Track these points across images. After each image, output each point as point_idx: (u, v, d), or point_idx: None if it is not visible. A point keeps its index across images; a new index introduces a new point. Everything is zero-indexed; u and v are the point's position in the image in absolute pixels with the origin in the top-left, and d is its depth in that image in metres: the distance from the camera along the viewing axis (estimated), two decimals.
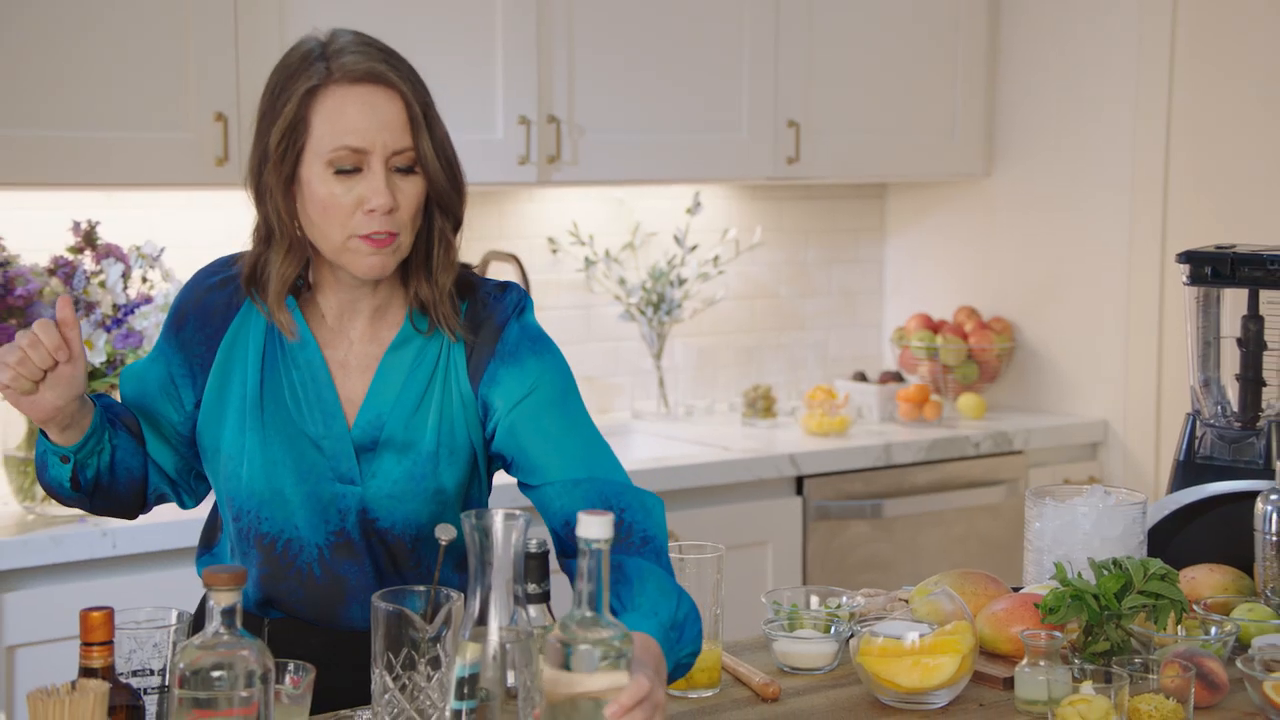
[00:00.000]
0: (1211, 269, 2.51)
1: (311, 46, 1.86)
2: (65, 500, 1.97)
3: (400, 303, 1.94)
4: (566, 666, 1.53)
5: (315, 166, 1.82)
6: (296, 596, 1.96)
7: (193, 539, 2.91)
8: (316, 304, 1.94)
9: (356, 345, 1.95)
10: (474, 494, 2.00)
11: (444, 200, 1.89)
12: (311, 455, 1.92)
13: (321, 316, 1.94)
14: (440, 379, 1.94)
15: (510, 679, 1.62)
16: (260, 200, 1.88)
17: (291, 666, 1.64)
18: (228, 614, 1.52)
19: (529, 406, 1.92)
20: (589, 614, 1.54)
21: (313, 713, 1.77)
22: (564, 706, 1.54)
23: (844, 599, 2.16)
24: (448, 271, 1.92)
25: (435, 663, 1.63)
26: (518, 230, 3.97)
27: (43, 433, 1.88)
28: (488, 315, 1.94)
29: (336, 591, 1.95)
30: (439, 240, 1.90)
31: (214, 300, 1.94)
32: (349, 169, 1.82)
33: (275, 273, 1.88)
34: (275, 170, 1.84)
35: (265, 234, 1.89)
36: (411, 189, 1.85)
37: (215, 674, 1.50)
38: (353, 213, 1.82)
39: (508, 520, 1.63)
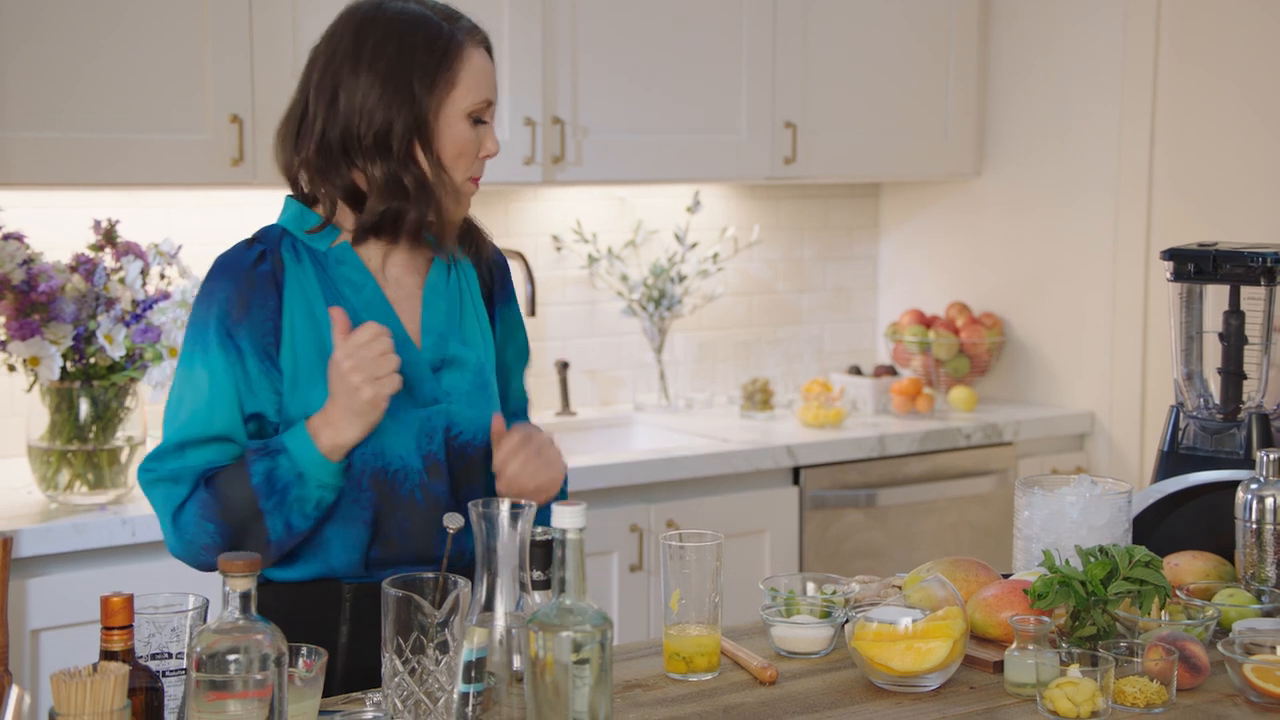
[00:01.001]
0: (1194, 266, 2.51)
1: (417, 13, 2.01)
2: (268, 556, 1.95)
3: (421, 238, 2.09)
4: (545, 654, 1.56)
5: (456, 114, 2.01)
6: (404, 529, 2.03)
7: None
8: (359, 247, 2.06)
9: (399, 279, 2.09)
10: None
11: None
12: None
13: (368, 258, 2.07)
14: (468, 295, 2.14)
15: (516, 663, 1.65)
16: (409, 155, 1.99)
17: (304, 650, 1.67)
18: (244, 599, 1.55)
19: (515, 339, 2.23)
20: (566, 601, 1.58)
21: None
22: (545, 688, 1.57)
23: (839, 585, 2.16)
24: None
25: (444, 647, 1.65)
26: (523, 228, 3.98)
27: (308, 472, 1.92)
28: (481, 240, 2.17)
29: (433, 517, 2.03)
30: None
31: (262, 274, 1.99)
32: (479, 119, 2.04)
33: (423, 219, 2.02)
34: (433, 120, 2.00)
35: (415, 189, 2.00)
36: None
37: (230, 657, 1.52)
38: (475, 157, 2.05)
39: (514, 509, 1.67)
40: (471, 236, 2.16)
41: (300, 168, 2.05)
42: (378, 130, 1.98)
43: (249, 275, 1.99)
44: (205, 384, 1.97)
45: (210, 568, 1.95)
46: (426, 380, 2.06)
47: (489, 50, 2.07)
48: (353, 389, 1.90)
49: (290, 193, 2.10)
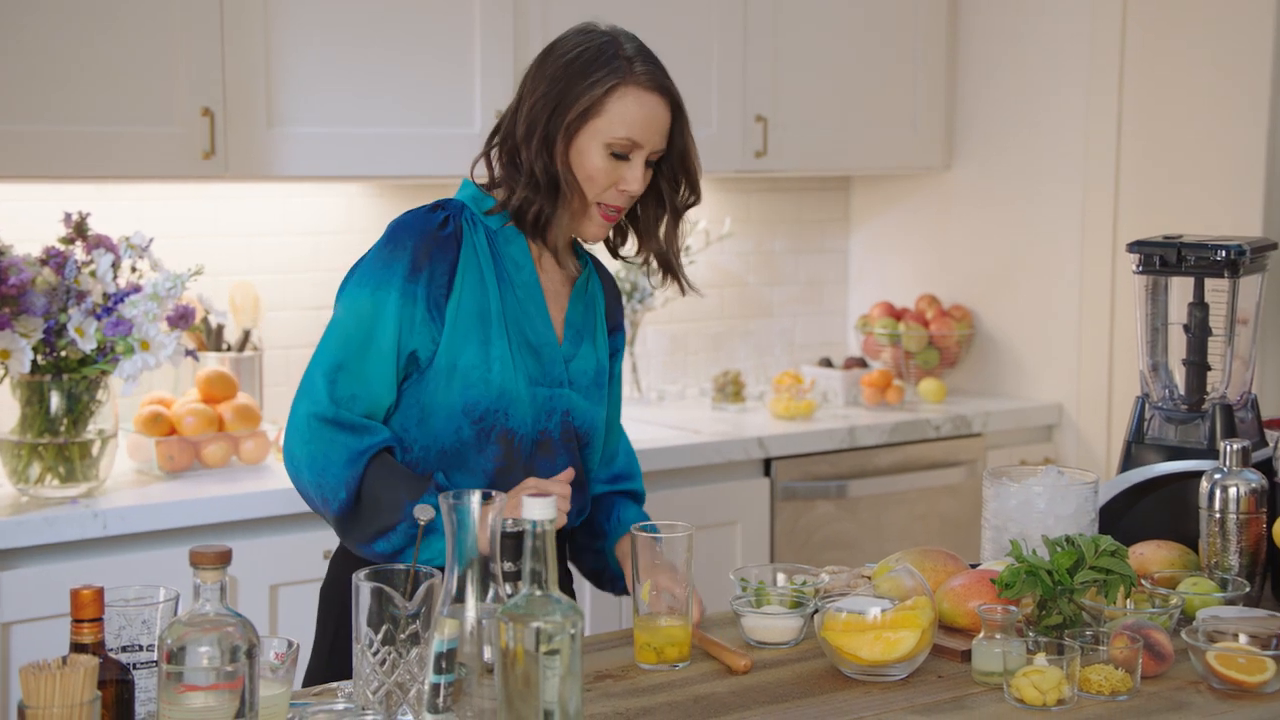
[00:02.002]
0: (1160, 258, 2.52)
1: (604, 42, 2.21)
2: (351, 541, 2.15)
3: (571, 247, 2.30)
4: (515, 645, 1.56)
5: (595, 142, 2.17)
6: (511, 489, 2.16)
7: (178, 520, 2.97)
8: (537, 242, 2.26)
9: (551, 274, 2.29)
10: None
11: (682, 192, 2.29)
12: (533, 361, 2.21)
13: (527, 249, 2.25)
14: (598, 309, 2.35)
15: (487, 654, 1.64)
16: (549, 158, 2.17)
17: (276, 642, 1.68)
18: (215, 591, 1.56)
19: (616, 365, 2.40)
20: (537, 593, 1.58)
21: None
22: (515, 678, 1.57)
23: (809, 576, 2.18)
24: (681, 244, 2.34)
25: (415, 638, 1.67)
26: None
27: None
28: (610, 278, 2.40)
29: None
30: (677, 219, 2.31)
31: (445, 237, 2.18)
32: (620, 155, 2.18)
33: (559, 222, 2.21)
34: (565, 138, 2.17)
35: (550, 188, 2.19)
36: (648, 178, 2.23)
37: (201, 649, 1.53)
38: (608, 187, 2.19)
39: (485, 500, 1.66)
40: (672, 262, 2.34)
41: (497, 155, 2.26)
42: (528, 127, 2.18)
43: (434, 234, 2.18)
44: (374, 314, 2.15)
45: (311, 507, 2.17)
46: (558, 364, 2.24)
47: (668, 98, 2.20)
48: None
49: (468, 177, 2.29)
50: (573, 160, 2.18)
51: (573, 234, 2.26)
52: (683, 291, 2.35)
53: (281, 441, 3.31)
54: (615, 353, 2.41)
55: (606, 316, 2.38)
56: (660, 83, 2.21)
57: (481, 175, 2.28)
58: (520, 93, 2.23)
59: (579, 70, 2.18)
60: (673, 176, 2.27)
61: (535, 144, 2.18)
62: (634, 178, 2.19)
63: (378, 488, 2.10)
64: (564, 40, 2.23)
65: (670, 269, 2.33)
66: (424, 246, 2.16)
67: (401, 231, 2.18)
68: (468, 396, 2.16)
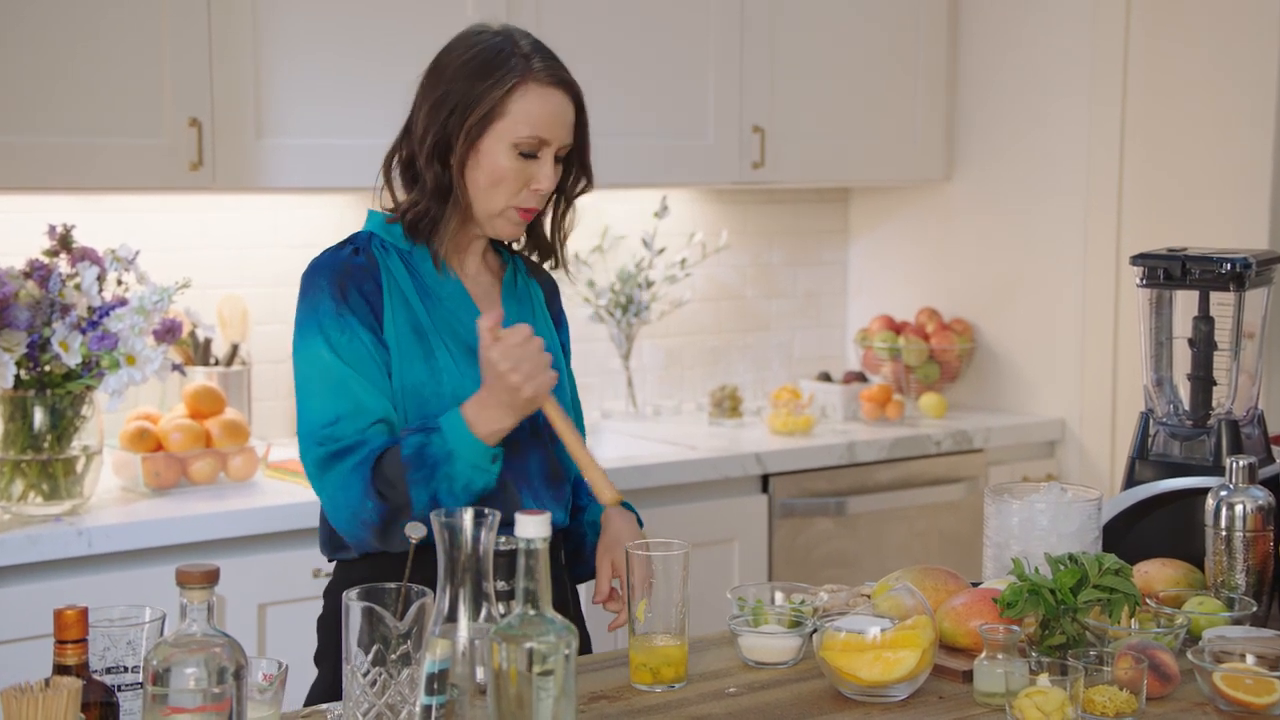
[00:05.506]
0: (1164, 271, 2.52)
1: (499, 42, 2.18)
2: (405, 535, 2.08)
3: (490, 244, 2.30)
4: (508, 665, 1.56)
5: (501, 145, 2.15)
6: (487, 493, 2.13)
7: (164, 538, 2.97)
8: (433, 248, 2.24)
9: (473, 276, 2.27)
10: None
11: (576, 180, 2.28)
12: (478, 365, 2.13)
13: (445, 256, 2.24)
14: (536, 298, 2.35)
15: (479, 674, 1.64)
16: (442, 164, 2.18)
17: (264, 663, 1.67)
18: (202, 611, 1.54)
19: (566, 357, 2.41)
20: (531, 612, 1.57)
21: None
22: (508, 700, 1.56)
23: (807, 595, 2.17)
24: (568, 230, 2.33)
25: (406, 659, 1.66)
26: None
27: (458, 451, 2.05)
28: (543, 272, 2.38)
29: (509, 482, 2.19)
30: (568, 206, 2.31)
31: (358, 265, 2.18)
32: (529, 153, 2.16)
33: (447, 226, 2.19)
34: (465, 141, 2.16)
35: (438, 192, 2.18)
36: (559, 174, 2.22)
37: (187, 671, 1.51)
38: (519, 189, 2.18)
39: (477, 518, 1.66)
40: (540, 251, 2.34)
41: (399, 176, 2.26)
42: (423, 133, 2.18)
43: (346, 264, 2.17)
44: (332, 361, 2.12)
45: (369, 546, 2.11)
46: None
47: (570, 92, 2.19)
48: (513, 388, 2.05)
49: (373, 207, 2.28)
50: (477, 164, 2.17)
51: (489, 234, 2.24)
52: (565, 270, 2.36)
53: (270, 457, 3.33)
54: (564, 349, 2.40)
55: (547, 305, 2.38)
56: (561, 77, 2.20)
57: (388, 202, 2.28)
58: (414, 105, 2.21)
59: (476, 71, 2.16)
60: (569, 169, 2.26)
61: (428, 149, 2.17)
62: (545, 175, 2.18)
63: (391, 473, 2.08)
64: (456, 44, 2.20)
65: (548, 251, 2.33)
66: (338, 279, 2.15)
67: (314, 274, 2.18)
68: (424, 413, 2.13)
